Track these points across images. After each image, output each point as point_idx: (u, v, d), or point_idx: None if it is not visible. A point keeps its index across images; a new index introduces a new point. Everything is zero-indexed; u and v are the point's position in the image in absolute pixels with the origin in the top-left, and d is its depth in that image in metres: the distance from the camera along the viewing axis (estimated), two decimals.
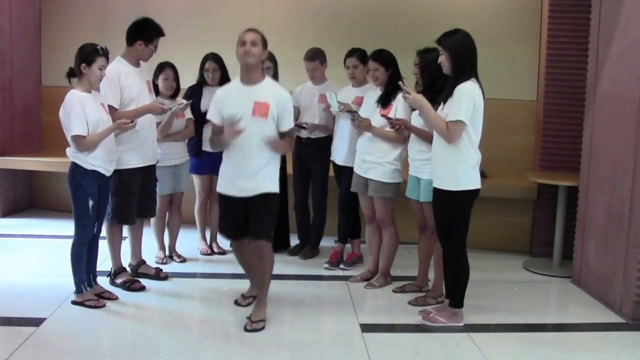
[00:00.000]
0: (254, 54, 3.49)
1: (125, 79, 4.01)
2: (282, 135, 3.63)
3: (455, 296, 3.73)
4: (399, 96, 3.92)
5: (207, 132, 4.82)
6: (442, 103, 3.61)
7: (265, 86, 3.60)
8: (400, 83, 3.79)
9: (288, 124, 3.63)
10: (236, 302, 4.00)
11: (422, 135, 3.95)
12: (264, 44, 3.55)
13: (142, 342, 3.46)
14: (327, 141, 4.92)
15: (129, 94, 4.02)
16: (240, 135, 3.45)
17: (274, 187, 3.62)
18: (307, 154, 4.94)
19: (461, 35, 3.52)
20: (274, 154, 3.61)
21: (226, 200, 3.66)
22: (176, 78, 4.67)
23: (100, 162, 3.74)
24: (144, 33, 4.06)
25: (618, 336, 3.74)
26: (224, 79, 4.80)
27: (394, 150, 4.21)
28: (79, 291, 3.87)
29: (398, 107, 4.13)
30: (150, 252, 4.73)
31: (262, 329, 3.60)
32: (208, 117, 3.69)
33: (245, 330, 3.58)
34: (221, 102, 3.62)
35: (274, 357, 3.31)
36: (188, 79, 4.93)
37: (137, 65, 4.13)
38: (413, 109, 3.92)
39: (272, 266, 3.73)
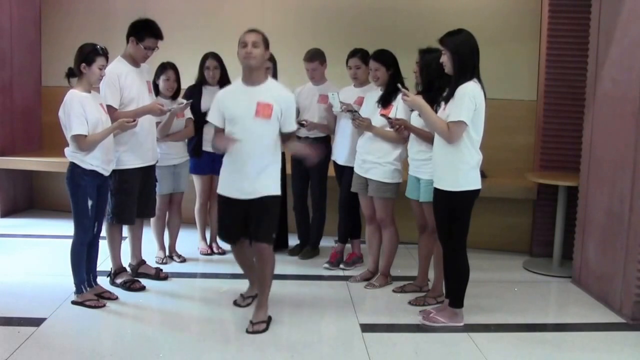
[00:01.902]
0: (255, 55, 3.45)
1: (125, 79, 4.01)
2: (287, 135, 3.63)
3: (456, 296, 3.73)
4: (399, 96, 3.92)
5: (206, 132, 4.82)
6: (443, 103, 3.61)
7: (268, 87, 3.57)
8: (399, 85, 3.79)
9: (292, 125, 3.63)
10: (235, 303, 4.00)
11: (422, 135, 3.95)
12: (266, 44, 3.51)
13: (142, 342, 3.46)
14: (326, 141, 4.92)
15: (128, 94, 4.02)
16: (235, 144, 3.45)
17: (275, 189, 3.60)
18: None
19: (464, 36, 3.52)
20: (276, 156, 3.61)
21: (226, 202, 3.62)
22: (177, 79, 4.67)
23: (98, 162, 3.74)
24: (135, 30, 4.05)
25: (618, 336, 3.74)
26: (224, 77, 4.81)
27: (394, 150, 4.21)
28: (79, 291, 3.87)
29: (398, 107, 4.13)
30: (150, 252, 4.72)
31: (263, 330, 3.59)
32: (209, 119, 3.66)
33: (247, 332, 3.56)
34: (223, 104, 3.58)
35: (274, 357, 3.30)
36: (187, 80, 4.92)
37: (137, 65, 4.12)
38: (412, 110, 3.92)
39: (273, 268, 3.69)
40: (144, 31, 4.03)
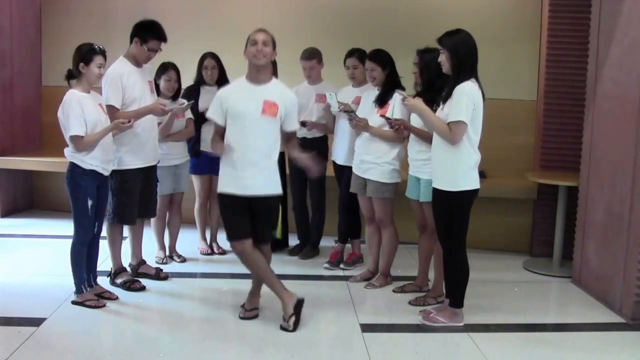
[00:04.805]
0: (266, 54, 3.50)
1: (127, 79, 4.00)
2: (288, 136, 3.68)
3: (456, 296, 3.73)
4: (396, 95, 3.92)
5: (205, 133, 4.81)
6: (442, 103, 3.61)
7: (273, 86, 3.61)
8: (397, 91, 3.82)
9: (294, 124, 3.69)
10: (241, 317, 3.80)
11: (422, 135, 3.95)
12: (274, 44, 3.57)
13: (142, 342, 3.46)
14: (323, 141, 4.92)
15: (131, 94, 4.02)
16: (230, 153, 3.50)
17: (278, 188, 3.66)
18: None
19: (463, 35, 3.52)
20: (276, 154, 3.64)
21: (230, 200, 3.59)
22: (178, 79, 4.67)
23: (98, 162, 3.74)
24: (140, 31, 4.04)
25: (618, 336, 3.74)
26: (222, 77, 4.81)
27: (393, 150, 4.21)
28: (79, 291, 3.87)
29: (395, 106, 4.13)
30: (151, 252, 4.73)
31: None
32: (209, 115, 3.65)
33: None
34: (227, 100, 3.58)
35: (274, 357, 3.30)
36: (187, 80, 4.92)
37: (139, 65, 4.12)
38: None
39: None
40: (148, 33, 4.03)
